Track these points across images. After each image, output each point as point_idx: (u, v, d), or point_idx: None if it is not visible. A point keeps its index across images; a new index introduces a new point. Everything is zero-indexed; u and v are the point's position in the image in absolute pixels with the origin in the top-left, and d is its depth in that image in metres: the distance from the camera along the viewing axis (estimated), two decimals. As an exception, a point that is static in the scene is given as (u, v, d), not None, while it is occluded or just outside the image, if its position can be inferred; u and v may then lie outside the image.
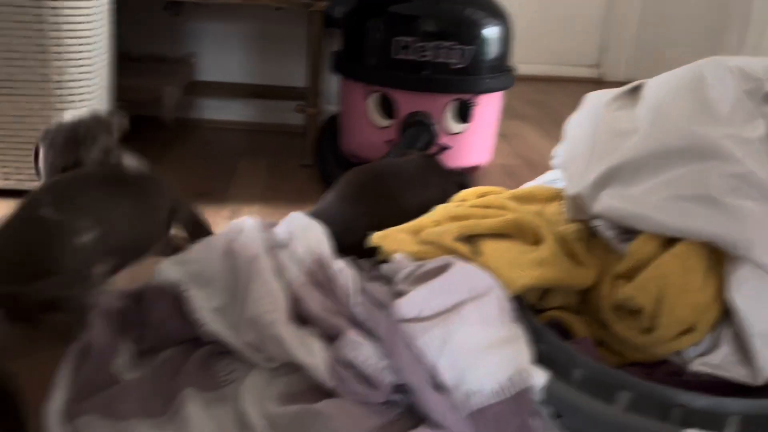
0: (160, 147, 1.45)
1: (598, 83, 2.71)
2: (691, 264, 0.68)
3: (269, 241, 0.79)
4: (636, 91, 0.84)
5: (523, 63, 2.81)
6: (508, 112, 2.08)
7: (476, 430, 0.57)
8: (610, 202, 0.75)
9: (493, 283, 0.67)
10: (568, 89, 2.53)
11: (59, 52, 1.03)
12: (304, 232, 0.78)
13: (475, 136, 1.30)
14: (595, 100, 0.86)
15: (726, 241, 0.66)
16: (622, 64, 2.71)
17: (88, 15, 1.05)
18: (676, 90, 0.78)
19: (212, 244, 0.78)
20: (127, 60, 1.55)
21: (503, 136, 1.77)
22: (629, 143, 0.76)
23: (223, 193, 1.21)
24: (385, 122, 1.25)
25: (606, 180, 0.76)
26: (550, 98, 2.32)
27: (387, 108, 1.25)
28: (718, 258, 0.69)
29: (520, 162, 1.57)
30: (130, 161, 0.86)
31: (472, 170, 1.36)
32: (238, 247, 0.75)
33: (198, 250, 0.78)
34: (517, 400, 0.57)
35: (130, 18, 1.53)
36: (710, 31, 2.28)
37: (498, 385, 0.57)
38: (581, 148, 0.82)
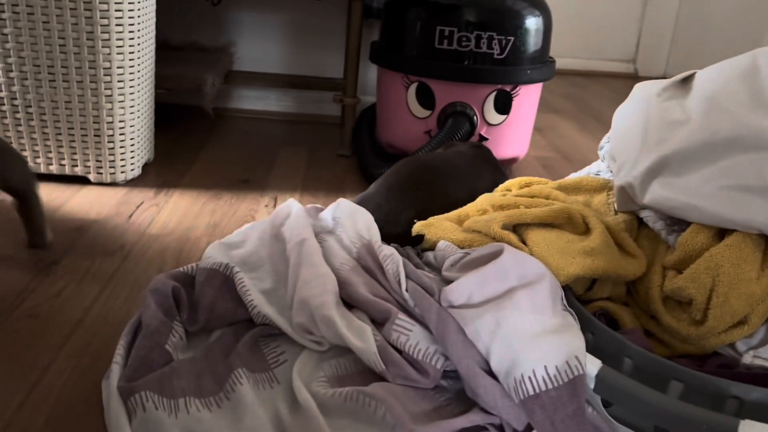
0: (200, 135, 1.46)
1: (634, 78, 2.67)
2: (745, 255, 0.67)
3: (316, 226, 0.79)
4: (687, 81, 0.83)
5: (558, 57, 2.79)
6: (543, 106, 2.06)
7: (529, 415, 0.57)
8: (661, 192, 0.74)
9: (545, 271, 0.67)
10: (604, 83, 2.50)
11: (107, 39, 1.05)
12: (351, 217, 0.79)
13: (514, 128, 1.29)
14: (644, 90, 0.85)
15: (783, 232, 0.65)
16: (658, 59, 2.68)
17: (135, 3, 1.06)
18: (730, 79, 0.77)
19: (260, 229, 0.79)
20: (168, 49, 1.57)
21: (538, 129, 1.76)
22: (681, 133, 0.75)
23: (264, 182, 1.22)
24: (424, 112, 1.25)
25: (657, 169, 0.75)
26: (585, 92, 2.30)
27: (426, 98, 1.24)
28: (773, 249, 0.68)
29: (555, 155, 1.56)
30: None
31: (510, 162, 1.36)
32: (287, 231, 0.76)
33: (245, 233, 0.79)
34: (572, 386, 0.56)
35: (170, 7, 1.56)
36: (748, 27, 2.24)
37: (553, 370, 0.57)
38: (631, 138, 0.81)
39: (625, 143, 0.81)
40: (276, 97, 1.66)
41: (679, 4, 2.61)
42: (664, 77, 0.84)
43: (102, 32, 1.04)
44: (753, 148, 0.70)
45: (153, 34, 1.19)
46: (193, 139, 1.44)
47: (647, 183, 0.76)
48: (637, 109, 0.83)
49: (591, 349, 0.67)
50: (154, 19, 1.19)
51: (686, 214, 0.72)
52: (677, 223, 0.75)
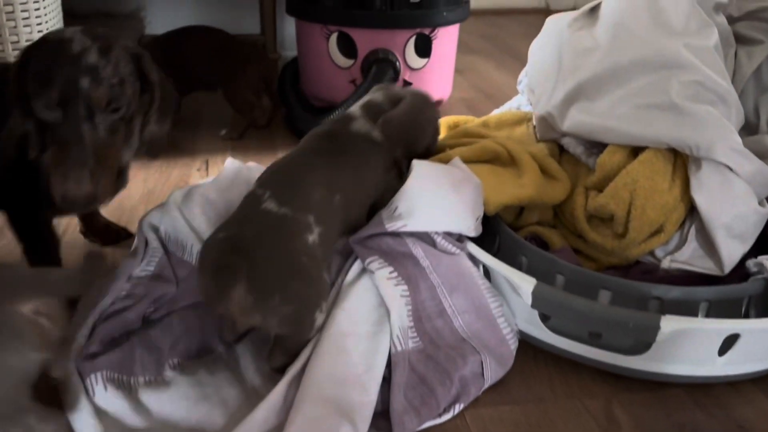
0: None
1: (546, 12, 2.72)
2: (657, 168, 0.72)
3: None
4: (594, 11, 0.87)
5: (472, -2, 2.82)
6: (461, 48, 2.08)
7: None
8: (578, 118, 0.78)
9: None
10: (517, 20, 2.55)
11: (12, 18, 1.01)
12: None
13: (436, 70, 1.32)
14: (555, 23, 0.88)
15: (689, 144, 0.70)
16: (568, -8, 2.74)
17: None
18: (633, 6, 0.81)
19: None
20: (73, 18, 1.50)
21: (458, 71, 1.79)
22: (593, 59, 0.80)
23: (192, 146, 1.21)
24: (347, 62, 1.26)
25: (573, 97, 0.79)
26: (500, 31, 2.33)
27: (348, 47, 1.25)
28: (683, 161, 0.74)
29: (478, 94, 1.60)
30: None
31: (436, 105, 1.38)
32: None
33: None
34: None
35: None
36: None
37: None
38: (547, 69, 0.85)
39: (542, 75, 0.85)
40: (194, 59, 1.62)
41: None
42: (575, 8, 0.88)
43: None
44: (657, 68, 0.75)
45: (59, 10, 1.14)
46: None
47: (565, 110, 0.80)
48: (550, 42, 0.87)
49: (526, 270, 0.72)
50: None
51: (602, 136, 0.76)
52: (596, 146, 0.80)
